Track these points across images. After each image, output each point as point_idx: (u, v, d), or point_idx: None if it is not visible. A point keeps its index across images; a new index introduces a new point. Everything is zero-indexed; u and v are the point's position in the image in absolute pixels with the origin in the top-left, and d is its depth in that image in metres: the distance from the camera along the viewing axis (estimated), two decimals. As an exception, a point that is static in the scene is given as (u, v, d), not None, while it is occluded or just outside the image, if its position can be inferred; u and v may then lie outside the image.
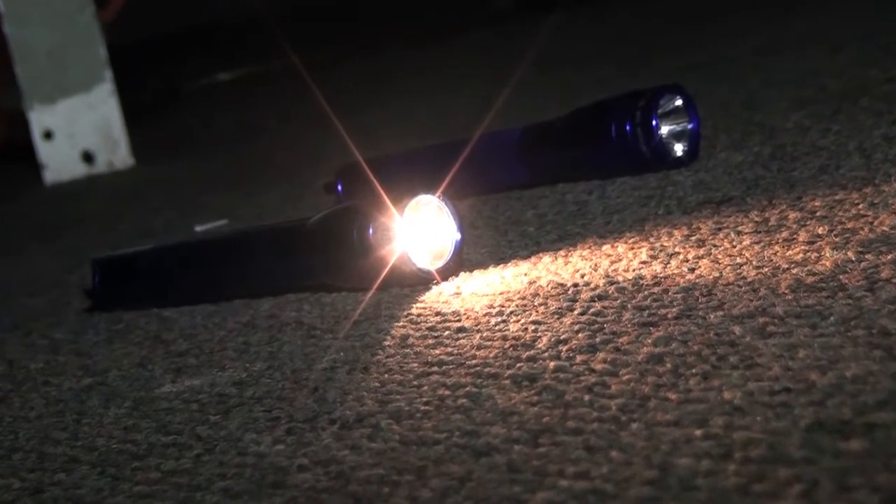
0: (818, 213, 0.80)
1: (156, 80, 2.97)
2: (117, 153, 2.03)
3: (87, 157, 2.02)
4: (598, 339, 0.67)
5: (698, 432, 0.53)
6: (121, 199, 1.76)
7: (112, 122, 2.02)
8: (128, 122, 2.04)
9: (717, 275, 0.73)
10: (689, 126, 1.03)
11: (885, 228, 0.74)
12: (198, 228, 1.31)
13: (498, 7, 2.85)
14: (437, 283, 0.85)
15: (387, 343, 0.76)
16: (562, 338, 0.69)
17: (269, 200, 1.41)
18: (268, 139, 2.00)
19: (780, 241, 0.76)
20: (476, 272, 0.86)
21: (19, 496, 0.67)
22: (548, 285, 0.79)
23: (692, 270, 0.75)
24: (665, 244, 0.82)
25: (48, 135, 2.01)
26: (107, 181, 1.96)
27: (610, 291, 0.75)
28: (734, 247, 0.77)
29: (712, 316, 0.66)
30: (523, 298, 0.77)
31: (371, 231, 0.84)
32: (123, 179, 1.94)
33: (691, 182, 0.97)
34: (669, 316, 0.68)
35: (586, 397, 0.60)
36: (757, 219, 0.82)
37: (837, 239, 0.74)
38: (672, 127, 1.03)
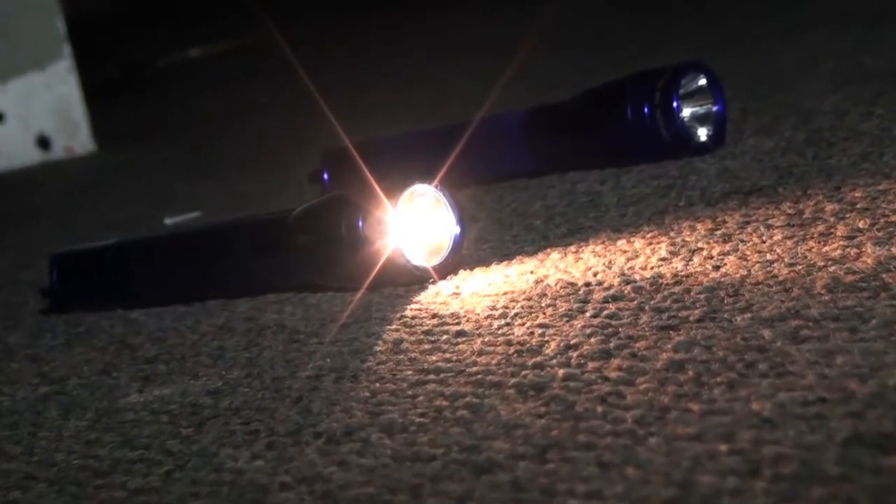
0: (858, 205, 0.80)
1: (120, 56, 2.97)
2: (77, 137, 2.03)
3: (43, 142, 2.02)
4: (612, 345, 0.67)
5: (723, 447, 0.54)
6: (81, 189, 1.76)
7: (71, 103, 2.03)
8: (88, 103, 2.05)
9: (744, 273, 0.73)
10: (714, 108, 1.03)
11: (931, 222, 0.74)
12: (168, 221, 1.32)
13: None
14: (434, 282, 0.85)
15: (378, 348, 0.76)
16: (572, 343, 0.69)
17: (248, 190, 1.42)
18: (246, 122, 2.00)
19: (815, 235, 0.77)
20: (477, 270, 0.87)
21: (-31, 517, 0.67)
22: (556, 284, 0.79)
23: (717, 268, 0.75)
24: (687, 239, 0.82)
25: (-2, 117, 2.01)
26: (65, 168, 1.96)
27: (625, 291, 0.75)
28: (764, 242, 0.78)
29: (739, 318, 0.67)
30: (529, 299, 0.78)
31: (361, 224, 0.84)
32: (84, 166, 1.95)
33: (716, 170, 0.97)
34: (692, 318, 0.68)
35: (599, 408, 0.60)
36: (790, 211, 0.83)
37: (880, 233, 0.74)
38: (695, 109, 1.03)
